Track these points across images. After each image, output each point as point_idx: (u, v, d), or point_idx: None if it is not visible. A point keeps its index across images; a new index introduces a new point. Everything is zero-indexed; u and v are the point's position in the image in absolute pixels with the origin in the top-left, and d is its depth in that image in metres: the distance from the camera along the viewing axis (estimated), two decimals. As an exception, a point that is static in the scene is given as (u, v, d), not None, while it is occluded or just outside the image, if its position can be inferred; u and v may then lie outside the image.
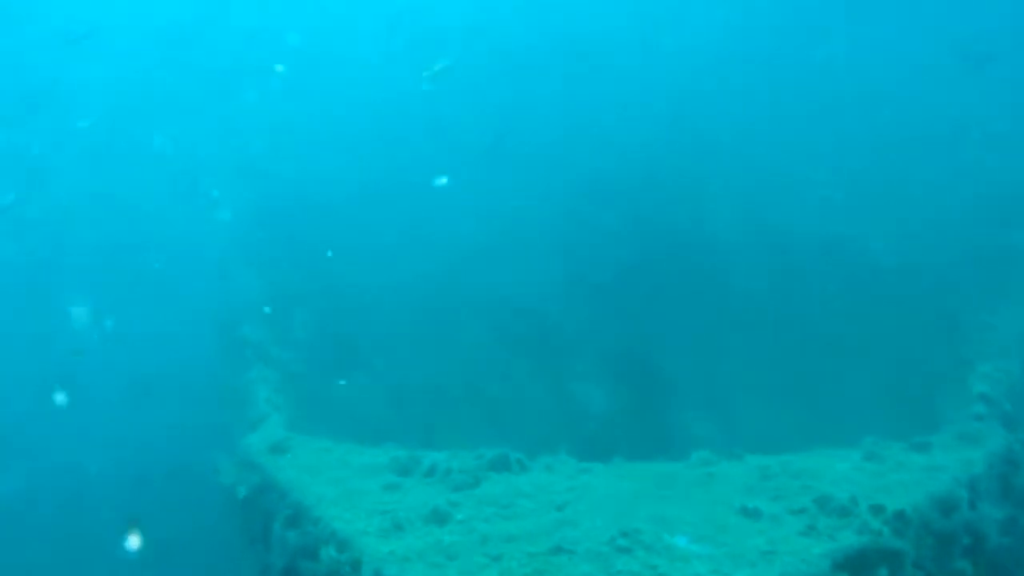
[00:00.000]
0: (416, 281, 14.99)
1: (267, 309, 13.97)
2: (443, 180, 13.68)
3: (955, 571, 7.75)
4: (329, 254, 15.01)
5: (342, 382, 13.59)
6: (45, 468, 14.91)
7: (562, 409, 14.05)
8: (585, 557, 6.36)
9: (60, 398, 13.86)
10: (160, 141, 15.95)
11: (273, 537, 8.46)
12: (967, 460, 8.85)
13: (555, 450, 12.57)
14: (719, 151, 15.45)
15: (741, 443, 11.81)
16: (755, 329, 14.11)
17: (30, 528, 14.73)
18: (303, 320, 14.61)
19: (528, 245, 15.02)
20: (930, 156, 14.56)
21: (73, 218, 17.24)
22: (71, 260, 16.59)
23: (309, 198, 16.02)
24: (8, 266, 16.60)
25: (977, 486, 8.45)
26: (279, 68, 16.45)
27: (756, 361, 13.98)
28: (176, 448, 14.05)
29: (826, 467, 8.71)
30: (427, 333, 14.63)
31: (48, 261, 16.72)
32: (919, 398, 12.04)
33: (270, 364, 12.93)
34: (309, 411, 12.29)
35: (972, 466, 8.71)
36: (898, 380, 12.76)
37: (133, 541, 9.42)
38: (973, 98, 14.86)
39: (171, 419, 14.62)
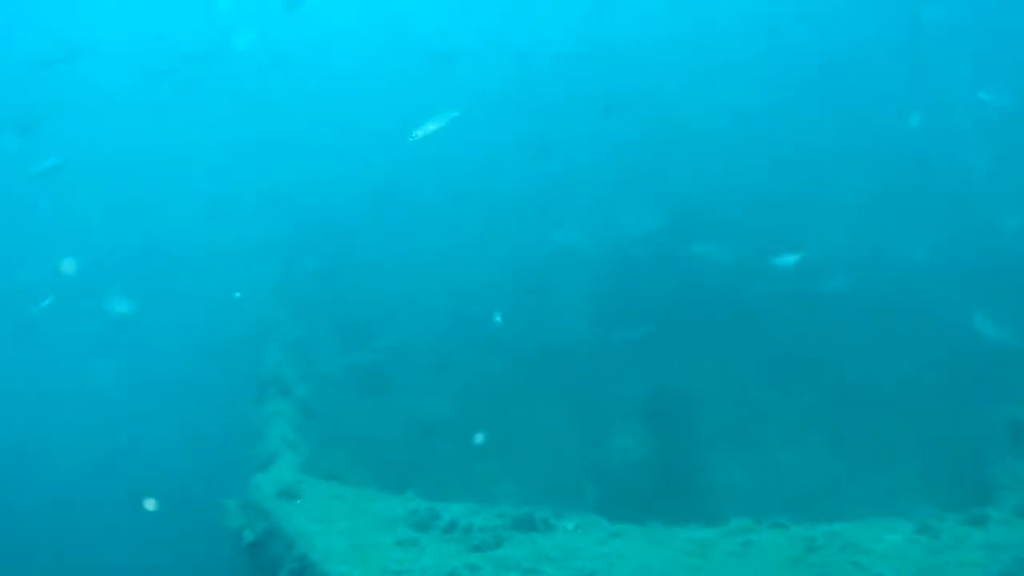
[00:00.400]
0: (445, 314, 14.55)
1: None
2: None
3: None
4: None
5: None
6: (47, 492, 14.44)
7: (592, 453, 13.43)
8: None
9: None
10: None
11: (278, 591, 7.93)
12: (1028, 538, 8.21)
13: (583, 496, 12.38)
14: (757, 197, 14.93)
15: (777, 493, 11.70)
16: (795, 379, 13.51)
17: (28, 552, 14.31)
18: (327, 351, 14.18)
19: (562, 284, 14.51)
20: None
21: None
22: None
23: (339, 226, 15.71)
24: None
25: (1040, 567, 7.81)
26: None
27: (795, 412, 13.32)
28: (185, 480, 13.55)
29: (876, 540, 8.07)
30: (453, 368, 14.13)
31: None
32: (968, 460, 11.54)
33: (289, 397, 12.41)
34: (328, 445, 11.82)
35: (1034, 545, 8.06)
36: (946, 440, 12.15)
37: None
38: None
39: (184, 447, 14.19)
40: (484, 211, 15.46)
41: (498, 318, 13.21)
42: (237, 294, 14.57)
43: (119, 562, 13.97)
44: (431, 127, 10.95)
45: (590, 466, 13.13)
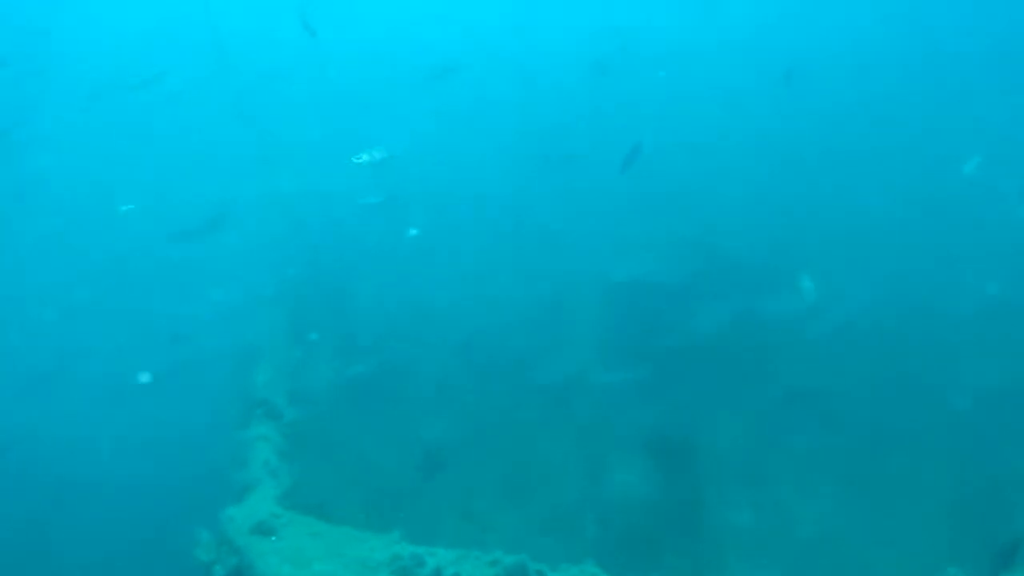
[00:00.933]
0: (449, 336, 14.15)
1: None
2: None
3: None
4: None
5: None
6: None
7: (594, 489, 12.84)
8: None
9: None
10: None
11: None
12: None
13: (584, 534, 11.86)
14: (778, 238, 14.59)
15: (788, 541, 11.46)
16: (809, 421, 12.91)
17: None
18: (322, 369, 13.66)
19: (572, 313, 14.08)
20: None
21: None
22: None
23: (340, 237, 15.40)
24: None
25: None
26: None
27: (808, 454, 12.76)
28: (158, 506, 12.99)
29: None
30: (455, 392, 13.61)
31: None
32: (990, 512, 11.22)
33: (276, 419, 11.83)
34: (318, 469, 11.29)
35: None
36: (966, 488, 11.76)
37: None
38: None
39: (160, 470, 13.64)
40: (496, 230, 15.23)
41: None
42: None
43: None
44: (375, 156, 10.69)
45: (592, 503, 12.55)
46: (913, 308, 13.31)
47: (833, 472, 12.39)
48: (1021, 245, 13.79)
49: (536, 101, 16.65)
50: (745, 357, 13.33)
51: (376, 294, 14.56)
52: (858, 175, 14.87)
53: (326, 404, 13.03)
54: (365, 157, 10.77)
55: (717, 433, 12.88)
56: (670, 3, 19.26)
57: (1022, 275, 13.35)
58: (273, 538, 8.31)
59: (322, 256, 14.95)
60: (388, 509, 11.10)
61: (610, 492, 12.72)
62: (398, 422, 13.09)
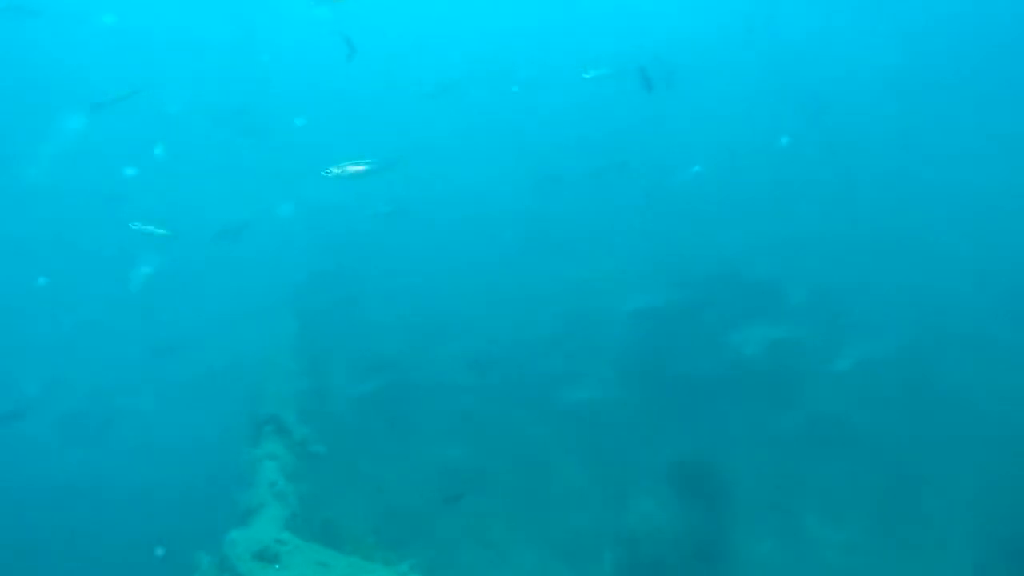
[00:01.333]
0: (467, 359, 13.90)
1: None
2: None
3: None
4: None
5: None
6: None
7: (613, 518, 12.52)
8: None
9: None
10: None
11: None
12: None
13: (601, 563, 11.51)
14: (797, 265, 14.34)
15: (809, 569, 11.46)
16: (837, 450, 12.74)
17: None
18: (336, 385, 13.26)
19: (593, 342, 13.78)
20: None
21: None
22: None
23: (357, 251, 15.23)
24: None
25: None
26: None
27: (834, 484, 12.57)
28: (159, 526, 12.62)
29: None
30: (473, 413, 13.34)
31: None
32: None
33: (286, 437, 11.38)
34: (330, 488, 10.94)
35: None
36: (996, 527, 11.58)
37: None
38: None
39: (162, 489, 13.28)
40: (515, 246, 15.04)
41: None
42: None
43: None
44: (348, 169, 10.48)
45: (611, 531, 12.32)
46: (954, 342, 13.05)
47: (860, 503, 12.22)
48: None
49: (562, 117, 16.40)
50: (772, 386, 13.09)
51: (390, 308, 14.34)
52: (893, 204, 14.64)
53: (338, 422, 12.71)
54: (335, 171, 10.57)
55: (741, 461, 12.63)
56: (704, 24, 19.04)
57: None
58: (277, 566, 7.86)
59: (334, 266, 14.72)
60: (400, 536, 10.73)
61: (630, 520, 12.42)
62: (412, 442, 12.88)
